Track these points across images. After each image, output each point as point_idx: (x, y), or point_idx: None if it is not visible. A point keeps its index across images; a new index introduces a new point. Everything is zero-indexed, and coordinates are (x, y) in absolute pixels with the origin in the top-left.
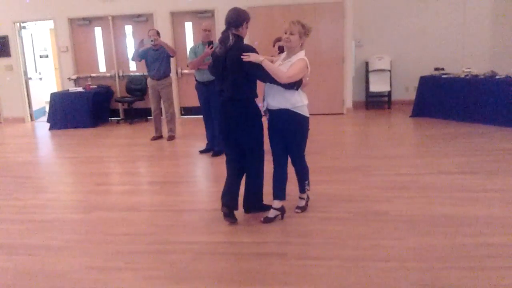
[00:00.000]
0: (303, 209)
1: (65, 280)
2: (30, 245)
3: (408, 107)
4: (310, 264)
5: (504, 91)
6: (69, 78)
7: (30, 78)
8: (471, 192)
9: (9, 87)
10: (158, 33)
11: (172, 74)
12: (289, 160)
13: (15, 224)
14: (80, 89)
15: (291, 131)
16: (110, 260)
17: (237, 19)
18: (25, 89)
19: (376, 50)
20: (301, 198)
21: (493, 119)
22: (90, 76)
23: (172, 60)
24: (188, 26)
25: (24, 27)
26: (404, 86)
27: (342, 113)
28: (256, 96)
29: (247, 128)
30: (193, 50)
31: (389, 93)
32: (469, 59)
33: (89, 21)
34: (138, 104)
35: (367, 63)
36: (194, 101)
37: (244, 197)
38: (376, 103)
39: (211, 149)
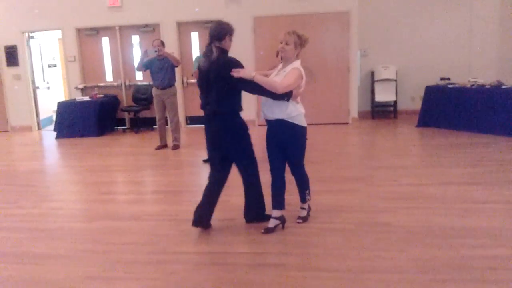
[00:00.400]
0: (304, 219)
1: None
2: (33, 254)
3: (414, 117)
4: (309, 275)
5: (510, 101)
6: (76, 88)
7: (38, 87)
8: (475, 203)
9: (17, 96)
10: (162, 43)
11: (178, 84)
12: (289, 169)
13: (18, 233)
14: (86, 98)
15: (288, 141)
16: (110, 270)
17: (219, 32)
18: (32, 98)
19: (382, 60)
20: (302, 208)
21: (499, 129)
22: (97, 86)
23: (177, 69)
24: (194, 36)
25: (32, 37)
26: (409, 96)
27: (348, 123)
28: (241, 109)
29: (234, 141)
30: (198, 60)
31: (395, 103)
32: (475, 69)
33: (97, 31)
34: (144, 113)
35: (372, 73)
36: (199, 110)
37: (244, 206)
38: (381, 113)
39: None
